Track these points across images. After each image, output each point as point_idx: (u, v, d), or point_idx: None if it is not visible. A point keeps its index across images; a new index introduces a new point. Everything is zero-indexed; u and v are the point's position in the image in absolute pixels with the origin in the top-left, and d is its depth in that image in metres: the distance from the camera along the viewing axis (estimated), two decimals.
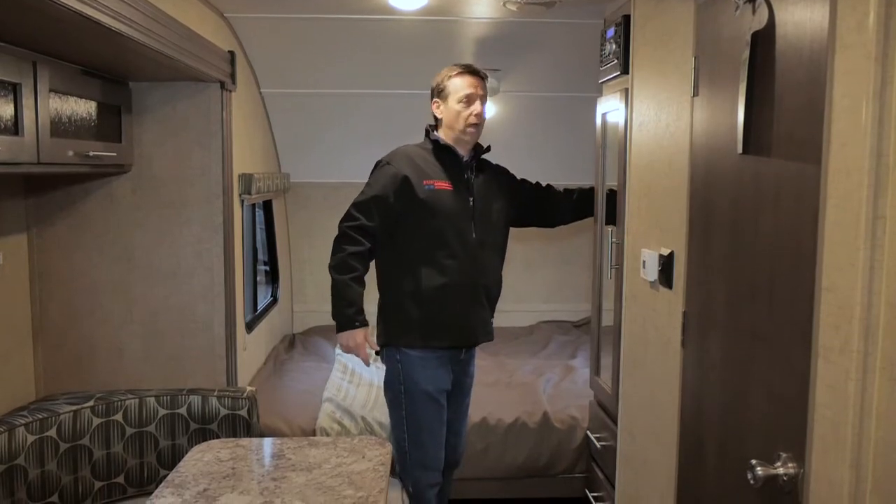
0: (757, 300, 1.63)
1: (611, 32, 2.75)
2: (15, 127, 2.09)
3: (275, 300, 4.57)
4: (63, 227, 3.00)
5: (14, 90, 2.08)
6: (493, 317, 2.78)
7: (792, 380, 1.46)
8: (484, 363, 3.22)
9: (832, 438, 1.30)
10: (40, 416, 2.53)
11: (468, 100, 2.61)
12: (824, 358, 1.33)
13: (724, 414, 1.81)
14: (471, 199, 2.65)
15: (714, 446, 1.87)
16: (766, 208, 1.59)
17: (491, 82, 3.88)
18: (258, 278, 4.53)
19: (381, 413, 3.29)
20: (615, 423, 2.77)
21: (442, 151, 2.66)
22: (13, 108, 2.08)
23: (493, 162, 2.85)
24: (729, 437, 1.78)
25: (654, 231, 2.36)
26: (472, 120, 2.62)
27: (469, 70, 2.65)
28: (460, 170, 2.66)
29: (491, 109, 4.16)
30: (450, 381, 2.71)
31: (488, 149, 2.76)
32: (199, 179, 3.03)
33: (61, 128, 2.35)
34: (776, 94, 1.53)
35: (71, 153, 2.38)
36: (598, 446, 2.99)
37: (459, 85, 2.62)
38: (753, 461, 1.47)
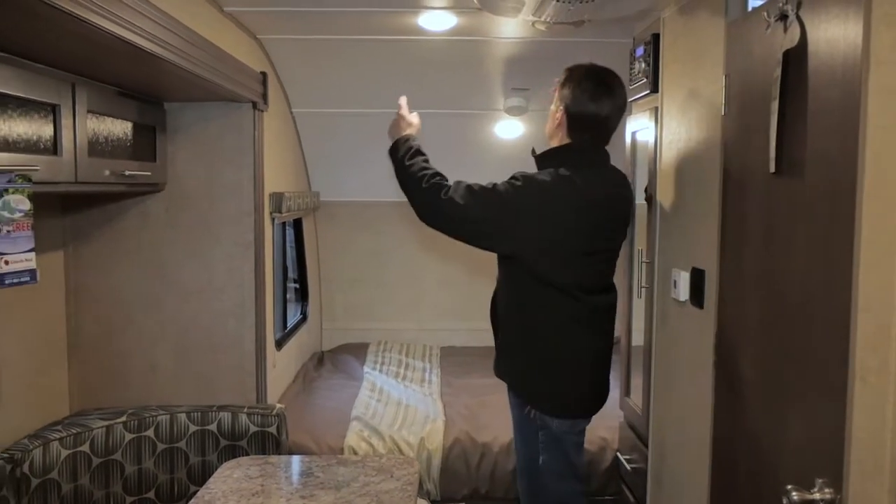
0: (791, 320, 1.60)
1: (640, 51, 2.75)
2: (54, 147, 2.14)
3: (304, 318, 4.60)
4: (98, 245, 3.05)
5: (53, 111, 2.13)
6: (502, 347, 2.40)
7: (828, 402, 1.43)
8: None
9: (870, 463, 1.27)
10: (74, 431, 2.56)
11: None
12: (861, 379, 1.30)
13: (757, 437, 1.78)
14: None
15: (747, 470, 1.84)
16: (799, 227, 1.57)
17: (519, 101, 3.91)
18: (288, 296, 4.57)
19: (408, 432, 3.29)
20: (646, 444, 2.74)
21: None
22: (52, 129, 2.13)
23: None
24: (763, 461, 1.74)
25: (684, 250, 2.34)
26: None
27: None
28: None
29: (520, 129, 4.18)
30: None
31: (535, 158, 2.38)
32: (231, 198, 3.08)
33: (98, 148, 2.40)
34: (809, 112, 1.52)
35: (107, 172, 2.43)
36: (629, 468, 2.95)
37: None
38: (789, 486, 1.43)
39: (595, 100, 2.22)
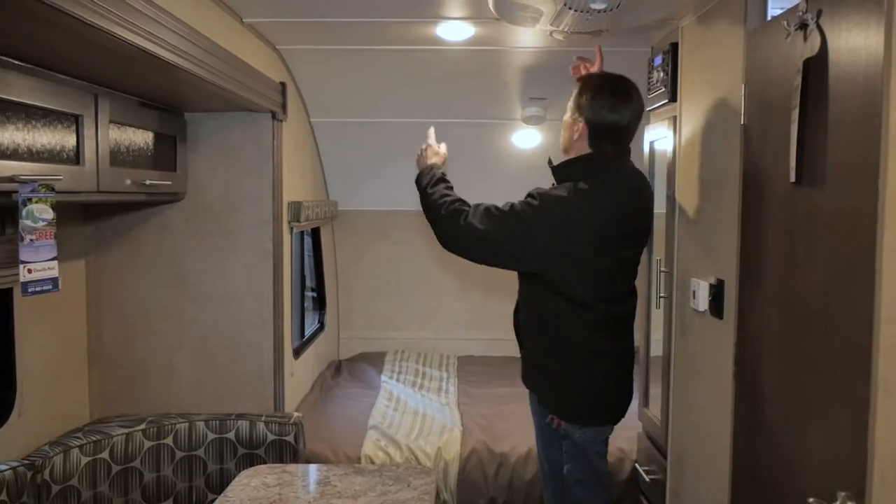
0: (812, 331, 1.59)
1: (658, 60, 2.74)
2: (77, 157, 2.17)
3: (322, 326, 4.61)
4: (119, 253, 3.08)
5: (76, 122, 2.17)
6: (523, 356, 2.43)
7: (850, 414, 1.41)
8: (523, 391, 3.18)
9: (893, 475, 1.26)
10: (94, 439, 2.58)
11: None
12: (885, 391, 1.28)
13: (778, 449, 1.76)
14: None
15: (768, 482, 1.82)
16: (820, 237, 1.55)
17: (537, 111, 3.91)
18: (305, 305, 4.58)
19: (425, 442, 3.28)
20: (664, 456, 2.71)
21: None
22: (75, 139, 2.16)
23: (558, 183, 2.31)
24: (784, 473, 1.72)
25: (703, 260, 2.32)
26: None
27: None
28: None
29: (537, 138, 4.18)
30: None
31: (553, 169, 2.34)
32: (250, 207, 3.10)
33: (120, 157, 2.43)
34: (830, 121, 1.50)
35: (128, 182, 2.46)
36: (647, 479, 2.93)
37: None
38: (811, 500, 1.42)
39: (615, 109, 2.19)
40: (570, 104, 2.29)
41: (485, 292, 4.88)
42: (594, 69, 2.48)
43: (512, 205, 2.19)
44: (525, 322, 2.38)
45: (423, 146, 2.43)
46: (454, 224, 2.19)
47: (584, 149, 2.25)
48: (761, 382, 1.87)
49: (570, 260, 2.17)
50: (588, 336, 2.23)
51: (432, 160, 2.38)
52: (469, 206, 2.22)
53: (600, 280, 2.21)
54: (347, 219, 4.85)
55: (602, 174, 2.21)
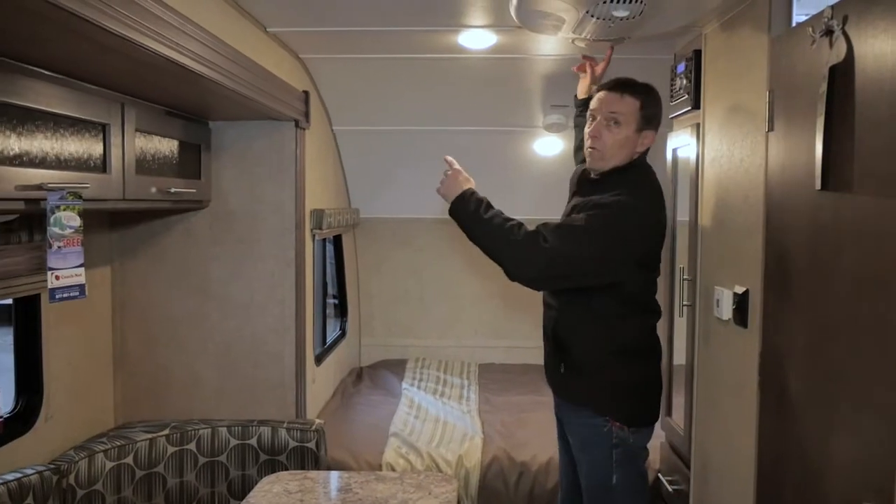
0: (839, 340, 1.57)
1: (681, 67, 2.73)
2: (103, 165, 2.20)
3: (343, 334, 4.63)
4: (144, 260, 3.12)
5: (104, 130, 2.20)
6: (567, 366, 2.29)
7: (878, 424, 1.39)
8: (544, 399, 3.15)
9: None
10: (118, 444, 2.61)
11: (591, 118, 2.28)
12: None
13: (804, 459, 1.74)
14: None
15: (794, 493, 1.79)
16: (847, 245, 1.54)
17: (559, 118, 3.90)
18: (327, 312, 4.60)
19: (446, 449, 3.28)
20: (688, 465, 2.69)
21: (578, 177, 2.44)
22: (102, 148, 2.19)
23: (609, 192, 2.21)
24: (810, 485, 1.70)
25: (727, 268, 2.30)
26: (587, 141, 2.27)
27: (604, 85, 2.32)
28: (572, 199, 2.41)
29: (559, 146, 4.17)
30: (557, 428, 2.50)
31: (597, 179, 2.29)
32: (273, 215, 3.12)
33: (145, 165, 2.46)
34: (856, 128, 1.49)
35: (154, 190, 2.49)
36: (670, 489, 2.90)
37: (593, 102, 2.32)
38: None
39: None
40: (630, 117, 2.21)
41: (505, 300, 4.87)
42: (599, 70, 2.52)
43: (578, 221, 2.12)
44: (575, 332, 2.27)
45: (448, 172, 2.23)
46: (535, 248, 2.05)
47: (629, 156, 2.24)
48: (787, 392, 1.84)
49: (646, 263, 2.21)
50: (650, 335, 2.29)
51: (466, 186, 2.19)
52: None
53: (655, 281, 2.28)
54: (369, 226, 4.87)
55: (651, 175, 2.26)
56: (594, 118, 2.24)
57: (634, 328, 2.25)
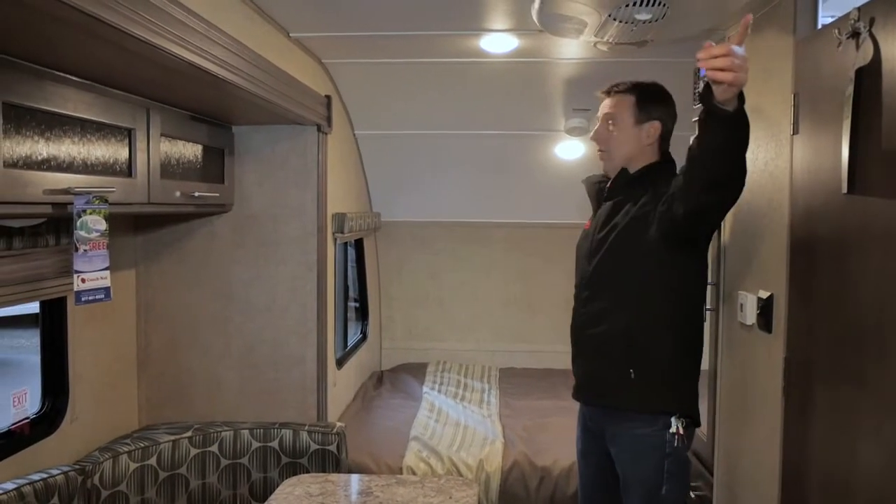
0: (865, 346, 1.54)
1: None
2: (129, 169, 2.23)
3: (364, 337, 4.64)
4: (167, 263, 3.15)
5: (129, 135, 2.23)
6: (638, 372, 2.16)
7: None
8: (565, 403, 3.12)
9: None
10: (142, 445, 2.63)
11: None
12: None
13: (829, 466, 1.71)
14: (594, 233, 2.30)
15: (819, 501, 1.77)
16: (874, 249, 1.52)
17: (580, 122, 3.89)
18: (348, 315, 4.62)
19: (467, 454, 3.27)
20: (711, 473, 2.66)
21: (602, 184, 2.41)
22: (128, 152, 2.22)
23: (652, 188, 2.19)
24: (835, 492, 1.68)
25: (752, 273, 2.28)
26: (597, 148, 2.32)
27: (603, 91, 2.34)
28: (601, 202, 2.37)
29: (580, 149, 4.15)
30: (583, 442, 2.39)
31: (634, 176, 2.26)
32: (295, 218, 3.14)
33: (170, 170, 2.49)
34: (884, 130, 1.47)
35: (178, 194, 2.52)
36: (693, 496, 2.87)
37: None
38: None
39: (674, 114, 2.29)
40: (624, 113, 2.24)
41: (526, 304, 4.86)
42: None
43: None
44: (651, 334, 2.17)
45: (737, 59, 1.74)
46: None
47: (654, 155, 2.26)
48: (812, 397, 1.82)
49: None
50: (701, 335, 2.26)
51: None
52: None
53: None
54: (390, 230, 4.88)
55: (675, 173, 2.22)
56: (599, 123, 2.31)
57: (697, 325, 2.24)
